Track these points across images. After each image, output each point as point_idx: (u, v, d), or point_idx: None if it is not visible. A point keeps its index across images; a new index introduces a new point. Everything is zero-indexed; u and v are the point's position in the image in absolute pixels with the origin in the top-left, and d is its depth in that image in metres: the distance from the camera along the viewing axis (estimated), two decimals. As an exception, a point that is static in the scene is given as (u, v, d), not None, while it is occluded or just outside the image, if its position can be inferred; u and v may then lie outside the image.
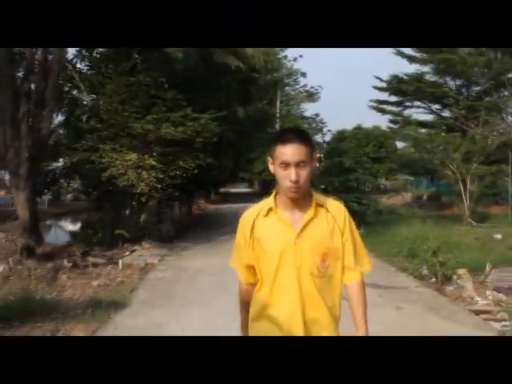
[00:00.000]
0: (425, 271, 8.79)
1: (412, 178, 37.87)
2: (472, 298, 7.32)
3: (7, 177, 25.93)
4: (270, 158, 2.13)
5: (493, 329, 5.66)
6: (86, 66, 13.36)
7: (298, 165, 2.01)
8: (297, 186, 2.02)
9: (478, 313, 6.50)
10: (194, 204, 23.57)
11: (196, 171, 12.13)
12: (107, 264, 9.51)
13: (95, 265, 9.31)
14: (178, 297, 7.23)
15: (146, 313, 6.41)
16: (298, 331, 2.08)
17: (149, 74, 11.89)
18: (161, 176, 11.14)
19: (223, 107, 12.99)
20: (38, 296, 6.70)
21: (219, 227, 15.75)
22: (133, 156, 10.78)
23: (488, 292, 7.54)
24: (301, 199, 2.12)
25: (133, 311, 6.52)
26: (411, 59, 29.23)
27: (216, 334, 5.00)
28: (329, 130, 42.41)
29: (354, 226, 2.23)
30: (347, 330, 2.21)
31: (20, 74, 10.56)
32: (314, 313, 2.12)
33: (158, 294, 7.47)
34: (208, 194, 32.46)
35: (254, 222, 2.17)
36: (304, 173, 2.03)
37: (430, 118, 31.61)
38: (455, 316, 6.25)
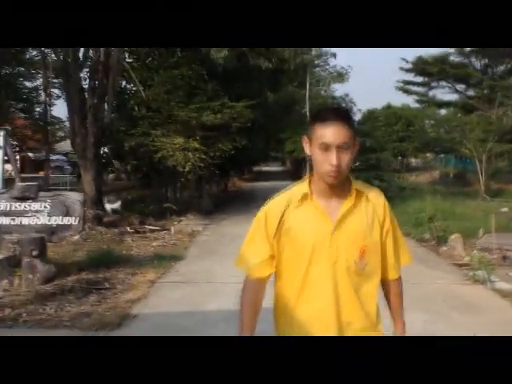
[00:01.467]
0: (426, 235, 10.48)
1: (442, 156, 38.71)
2: (460, 256, 8.98)
3: (51, 157, 28.22)
4: (305, 138, 1.93)
5: (463, 273, 7.39)
6: (134, 59, 15.24)
7: (339, 148, 1.80)
8: (337, 170, 1.80)
9: (460, 266, 8.18)
10: (229, 182, 25.49)
11: (232, 152, 14.00)
12: (161, 230, 11.49)
13: (152, 231, 11.29)
14: (220, 253, 9.10)
15: (197, 263, 8.35)
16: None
17: (191, 67, 13.71)
18: (203, 156, 13.02)
19: (255, 95, 14.72)
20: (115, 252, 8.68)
21: (251, 202, 17.61)
22: (179, 140, 12.68)
23: (475, 251, 9.18)
24: (339, 186, 1.89)
25: (187, 262, 8.48)
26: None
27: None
28: (359, 110, 43.49)
29: (393, 217, 2.02)
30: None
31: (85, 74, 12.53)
32: (350, 316, 1.90)
33: (204, 251, 9.40)
34: (242, 172, 34.34)
35: (283, 212, 1.93)
36: (346, 157, 1.82)
37: (454, 97, 32.57)
38: (439, 266, 7.99)
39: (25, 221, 6.87)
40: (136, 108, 13.66)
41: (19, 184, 7.82)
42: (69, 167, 29.78)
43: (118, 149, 13.20)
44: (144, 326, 5.29)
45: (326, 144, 1.81)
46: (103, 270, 7.56)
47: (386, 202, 2.00)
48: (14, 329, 5.15)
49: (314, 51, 42.59)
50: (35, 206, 6.93)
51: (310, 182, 1.96)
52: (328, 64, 46.98)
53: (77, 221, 7.14)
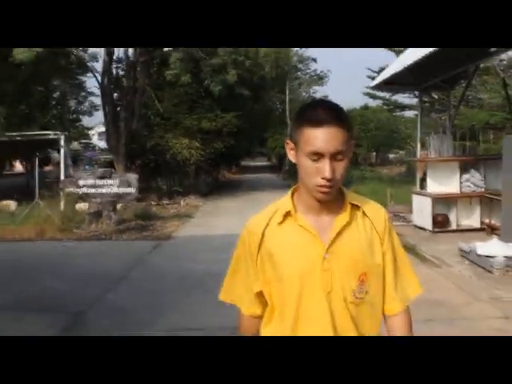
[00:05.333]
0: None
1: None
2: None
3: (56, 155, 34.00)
4: (289, 143, 1.51)
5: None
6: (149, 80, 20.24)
7: (333, 156, 1.39)
8: (331, 184, 1.41)
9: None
10: (219, 174, 30.61)
11: (223, 150, 19.17)
12: (173, 204, 16.60)
13: (168, 204, 16.39)
14: (215, 215, 14.27)
15: (203, 218, 13.55)
16: None
17: (192, 87, 18.78)
18: (202, 153, 18.15)
19: (241, 108, 19.84)
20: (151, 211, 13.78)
21: (235, 188, 22.91)
22: (185, 141, 17.80)
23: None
24: (331, 199, 1.48)
25: (197, 218, 13.69)
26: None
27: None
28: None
29: (396, 236, 1.61)
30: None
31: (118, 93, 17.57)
32: None
33: (205, 214, 14.60)
34: (230, 166, 39.50)
35: (263, 232, 1.53)
36: (341, 167, 1.42)
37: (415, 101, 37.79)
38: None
39: (104, 190, 11.79)
40: (152, 117, 18.72)
41: (100, 169, 12.81)
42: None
43: (141, 148, 18.18)
44: (177, 240, 10.44)
45: (317, 152, 1.38)
46: (147, 220, 12.65)
47: (387, 217, 1.59)
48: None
49: (296, 57, 47.73)
50: (110, 181, 11.86)
51: (293, 195, 1.56)
52: (309, 68, 52.23)
53: (134, 190, 12.07)
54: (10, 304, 5.81)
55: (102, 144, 39.50)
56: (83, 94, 26.27)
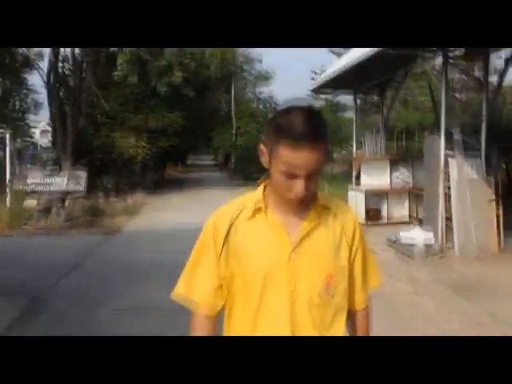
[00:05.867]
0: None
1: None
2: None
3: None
4: (262, 147, 1.47)
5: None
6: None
7: (309, 174, 1.37)
8: (303, 198, 1.41)
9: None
10: (165, 172, 30.98)
11: (168, 148, 19.66)
12: (120, 200, 17.02)
13: (115, 201, 16.80)
14: (160, 209, 14.83)
15: (150, 214, 14.09)
16: None
17: (137, 85, 19.17)
18: (148, 151, 18.60)
19: (186, 108, 20.39)
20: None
21: (182, 186, 23.52)
22: (132, 140, 18.20)
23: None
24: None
25: (143, 214, 14.25)
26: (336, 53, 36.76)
27: (188, 218, 12.65)
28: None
29: (363, 234, 1.62)
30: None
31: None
32: None
33: (151, 210, 15.13)
34: (176, 164, 39.83)
35: (231, 224, 1.51)
36: (314, 182, 1.41)
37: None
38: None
39: (53, 187, 12.14)
40: (99, 116, 19.00)
41: (48, 166, 13.15)
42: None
43: (88, 146, 18.42)
44: (125, 234, 10.98)
45: (293, 173, 1.36)
46: (95, 216, 13.08)
47: (356, 218, 1.61)
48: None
49: (241, 58, 48.43)
50: (58, 178, 12.23)
51: (263, 190, 1.53)
52: (254, 69, 53.04)
53: (83, 187, 12.46)
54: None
55: (45, 142, 39.13)
56: (25, 91, 26.05)
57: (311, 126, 1.35)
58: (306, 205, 1.50)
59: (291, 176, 1.37)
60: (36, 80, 52.41)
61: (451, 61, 9.45)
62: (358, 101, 14.99)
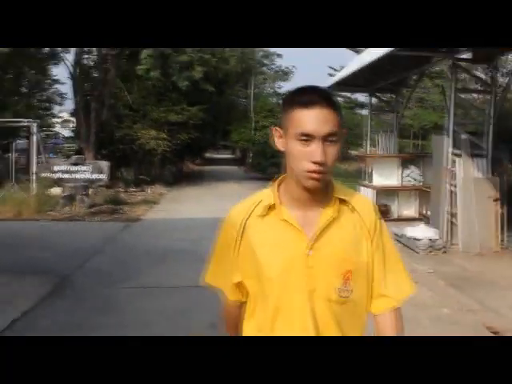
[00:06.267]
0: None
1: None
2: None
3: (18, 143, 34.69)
4: (276, 130, 1.45)
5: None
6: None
7: (325, 139, 1.34)
8: (323, 169, 1.35)
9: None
10: (184, 165, 31.58)
11: (188, 141, 20.21)
12: (141, 191, 17.63)
13: (135, 191, 17.41)
14: (179, 201, 15.40)
15: (168, 204, 14.66)
16: None
17: (159, 79, 19.75)
18: (168, 144, 19.18)
19: (205, 102, 20.91)
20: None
21: (199, 179, 24.14)
22: (153, 132, 18.79)
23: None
24: (318, 192, 1.42)
25: (162, 204, 14.80)
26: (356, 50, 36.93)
27: (205, 210, 13.19)
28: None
29: (386, 232, 1.55)
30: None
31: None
32: None
33: (169, 201, 15.72)
34: (195, 158, 40.47)
35: (244, 223, 1.49)
36: (333, 152, 1.36)
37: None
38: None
39: (78, 176, 12.75)
40: (121, 108, 19.61)
41: (74, 156, 13.77)
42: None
43: (110, 137, 19.06)
44: (145, 222, 11.56)
45: (308, 134, 1.33)
46: (116, 205, 13.68)
47: (378, 213, 1.54)
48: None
49: (262, 52, 48.77)
50: (83, 168, 12.83)
51: (278, 186, 1.50)
52: (274, 63, 53.37)
53: (106, 176, 13.07)
54: (7, 267, 6.87)
55: (66, 132, 39.92)
56: (49, 81, 26.86)
57: (323, 91, 1.41)
58: (323, 196, 1.45)
59: (307, 140, 1.34)
60: (61, 72, 53.64)
61: (461, 63, 9.77)
62: (374, 99, 15.26)
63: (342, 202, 1.48)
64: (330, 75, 40.81)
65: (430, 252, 8.60)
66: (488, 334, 4.80)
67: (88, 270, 7.14)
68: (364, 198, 1.59)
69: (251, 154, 31.10)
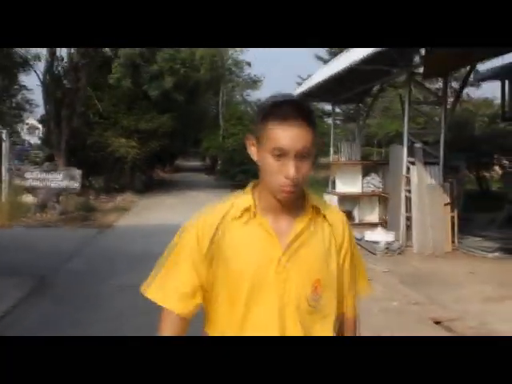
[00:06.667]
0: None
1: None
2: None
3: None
4: (250, 138, 1.47)
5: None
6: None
7: (298, 155, 1.37)
8: (295, 184, 1.38)
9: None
10: (154, 172, 31.87)
11: (158, 149, 20.61)
12: (110, 199, 17.92)
13: (105, 199, 17.69)
14: (150, 209, 15.78)
15: (139, 212, 15.03)
16: None
17: (130, 88, 20.11)
18: (138, 151, 19.54)
19: (175, 110, 21.35)
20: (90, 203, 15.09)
21: (170, 187, 24.56)
22: (123, 140, 19.13)
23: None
24: (291, 201, 1.45)
25: (133, 212, 15.17)
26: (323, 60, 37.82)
27: (176, 217, 13.60)
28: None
29: (354, 239, 1.61)
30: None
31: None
32: None
33: (141, 209, 16.05)
34: (164, 166, 40.76)
35: (217, 228, 1.48)
36: (306, 166, 1.39)
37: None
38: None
39: (49, 183, 13.03)
40: (92, 116, 19.91)
41: (46, 163, 14.05)
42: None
43: (82, 144, 19.30)
44: (117, 228, 11.92)
45: (282, 150, 1.35)
46: (88, 212, 13.98)
47: (346, 221, 1.59)
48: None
49: (231, 60, 49.30)
50: (55, 175, 13.13)
51: (253, 192, 1.51)
52: (243, 72, 53.91)
53: (78, 184, 13.37)
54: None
55: (33, 139, 39.74)
56: (16, 87, 26.89)
57: (299, 105, 1.39)
58: (297, 205, 1.48)
59: (281, 155, 1.36)
60: (28, 79, 53.34)
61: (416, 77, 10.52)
62: (337, 109, 15.93)
63: (316, 211, 1.51)
64: (299, 84, 41.73)
65: (387, 253, 9.24)
66: (430, 323, 5.41)
67: (65, 271, 7.53)
68: (335, 209, 1.63)
69: (220, 162, 31.56)
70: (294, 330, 1.44)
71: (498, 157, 18.05)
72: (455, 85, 20.78)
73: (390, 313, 5.73)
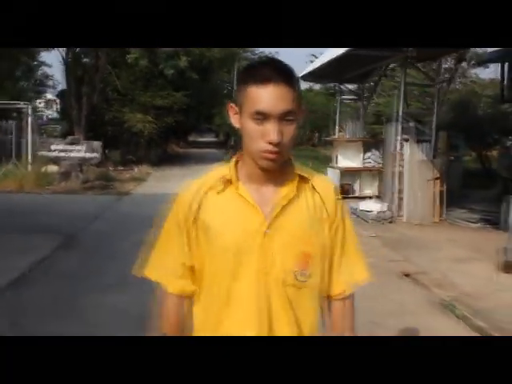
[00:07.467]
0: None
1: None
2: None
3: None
4: (232, 106, 1.38)
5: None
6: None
7: (281, 118, 1.27)
8: (278, 150, 1.29)
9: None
10: (168, 147, 32.96)
11: (173, 124, 21.63)
12: (128, 170, 19.01)
13: (123, 170, 18.79)
14: (168, 179, 16.77)
15: (155, 182, 16.10)
16: None
17: (147, 67, 21.04)
18: (154, 126, 20.58)
19: (190, 87, 22.27)
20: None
21: (183, 161, 25.66)
22: (140, 115, 20.16)
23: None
24: (275, 170, 1.35)
25: (149, 181, 16.27)
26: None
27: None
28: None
29: (348, 216, 1.50)
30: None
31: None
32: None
33: (156, 179, 17.15)
34: (179, 141, 41.83)
35: (200, 200, 1.40)
36: (290, 130, 1.30)
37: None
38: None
39: (73, 154, 14.10)
40: (111, 93, 20.93)
41: (70, 137, 15.19)
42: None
43: (100, 120, 20.37)
44: (135, 196, 12.98)
45: (262, 113, 1.26)
46: (108, 182, 15.05)
47: (337, 191, 1.48)
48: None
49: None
50: (78, 147, 14.19)
51: (236, 163, 1.42)
52: (257, 49, 54.24)
53: (99, 155, 14.44)
54: (18, 228, 8.31)
55: (50, 113, 40.86)
56: (35, 63, 27.91)
57: (278, 65, 1.31)
58: (281, 173, 1.38)
59: (262, 117, 1.27)
60: (47, 55, 54.32)
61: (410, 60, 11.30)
62: (343, 88, 16.64)
63: (303, 180, 1.42)
64: (311, 62, 42.05)
65: (379, 222, 10.18)
66: (400, 275, 6.37)
67: (91, 230, 8.63)
68: (325, 179, 1.51)
69: (233, 138, 32.41)
70: (279, 304, 1.37)
71: (500, 137, 18.71)
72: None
73: (365, 266, 6.67)
